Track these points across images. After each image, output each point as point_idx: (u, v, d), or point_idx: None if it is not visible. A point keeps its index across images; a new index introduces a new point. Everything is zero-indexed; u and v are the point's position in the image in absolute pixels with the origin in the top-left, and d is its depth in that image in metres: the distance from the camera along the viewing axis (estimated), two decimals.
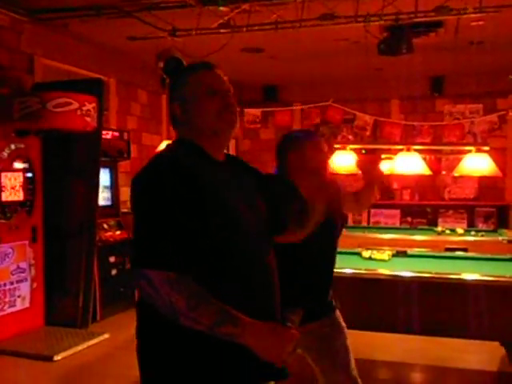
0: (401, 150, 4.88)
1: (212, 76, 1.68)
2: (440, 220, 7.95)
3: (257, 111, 8.62)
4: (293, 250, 2.24)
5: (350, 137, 8.59)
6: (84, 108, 4.74)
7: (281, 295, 1.92)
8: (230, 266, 1.54)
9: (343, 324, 2.62)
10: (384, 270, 3.85)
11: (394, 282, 3.63)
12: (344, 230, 6.49)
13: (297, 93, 8.69)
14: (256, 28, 4.85)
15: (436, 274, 3.71)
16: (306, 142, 2.51)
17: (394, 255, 4.52)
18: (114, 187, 6.12)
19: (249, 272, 1.57)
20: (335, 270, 2.71)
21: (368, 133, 8.31)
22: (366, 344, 4.37)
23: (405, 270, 3.83)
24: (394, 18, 4.30)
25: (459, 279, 3.62)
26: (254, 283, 1.58)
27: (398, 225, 8.04)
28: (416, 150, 4.57)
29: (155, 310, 1.49)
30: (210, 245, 1.52)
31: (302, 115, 8.82)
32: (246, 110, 8.67)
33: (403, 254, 4.57)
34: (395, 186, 8.51)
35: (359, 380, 2.57)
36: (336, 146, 4.99)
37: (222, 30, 4.78)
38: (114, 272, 5.75)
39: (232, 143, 9.18)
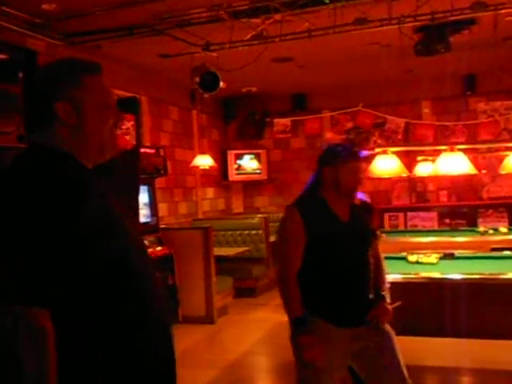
0: (440, 150, 4.81)
1: (104, 83, 1.50)
2: (480, 220, 7.80)
3: (286, 121, 8.62)
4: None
5: (379, 141, 8.49)
6: (123, 127, 4.80)
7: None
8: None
9: (389, 328, 2.58)
10: (436, 274, 3.80)
11: (455, 284, 3.58)
12: (383, 235, 6.40)
13: (326, 100, 8.65)
14: (289, 37, 4.85)
15: (490, 275, 3.64)
16: (343, 162, 2.53)
17: (441, 258, 4.45)
18: (152, 204, 6.16)
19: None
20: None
21: (400, 136, 8.23)
22: (416, 349, 4.29)
23: (455, 272, 3.77)
24: (429, 18, 4.25)
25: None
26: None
27: (436, 227, 7.90)
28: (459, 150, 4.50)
29: None
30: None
31: (332, 122, 8.77)
32: (275, 120, 8.69)
33: (451, 257, 4.49)
34: (431, 187, 8.39)
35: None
36: (377, 150, 4.95)
37: (254, 42, 4.79)
38: None
39: (263, 154, 9.18)
